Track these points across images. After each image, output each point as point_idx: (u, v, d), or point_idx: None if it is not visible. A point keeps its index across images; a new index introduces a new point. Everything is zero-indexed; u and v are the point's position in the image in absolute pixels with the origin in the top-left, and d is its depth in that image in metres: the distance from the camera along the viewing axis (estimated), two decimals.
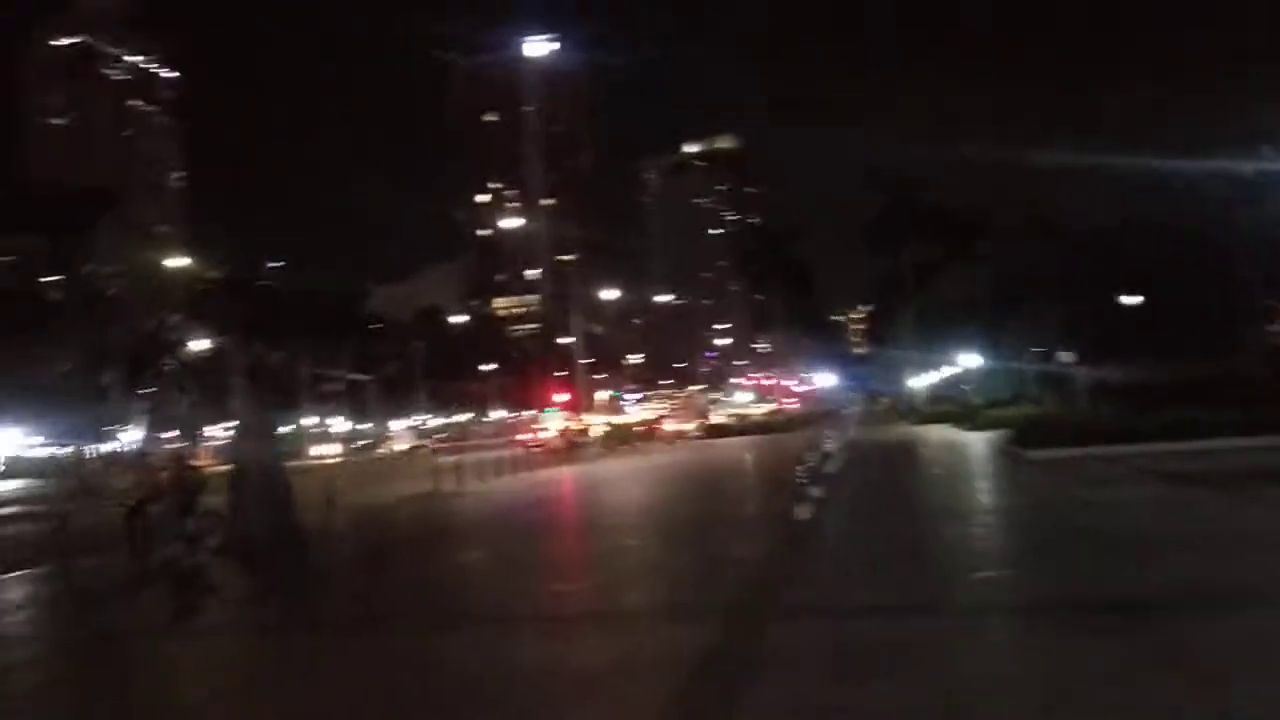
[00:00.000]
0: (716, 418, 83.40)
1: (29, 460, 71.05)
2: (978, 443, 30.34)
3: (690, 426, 73.43)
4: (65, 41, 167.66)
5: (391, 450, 77.75)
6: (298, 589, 11.17)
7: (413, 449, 76.52)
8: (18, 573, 13.80)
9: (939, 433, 40.87)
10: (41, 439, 70.00)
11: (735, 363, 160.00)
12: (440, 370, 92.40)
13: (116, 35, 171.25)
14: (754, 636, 7.26)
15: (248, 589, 11.46)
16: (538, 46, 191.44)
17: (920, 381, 70.57)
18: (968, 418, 41.27)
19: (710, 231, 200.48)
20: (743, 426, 71.78)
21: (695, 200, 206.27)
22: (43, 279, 64.96)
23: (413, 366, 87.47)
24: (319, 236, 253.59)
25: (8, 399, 58.68)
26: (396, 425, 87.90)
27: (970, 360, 52.68)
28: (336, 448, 77.61)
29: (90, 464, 61.06)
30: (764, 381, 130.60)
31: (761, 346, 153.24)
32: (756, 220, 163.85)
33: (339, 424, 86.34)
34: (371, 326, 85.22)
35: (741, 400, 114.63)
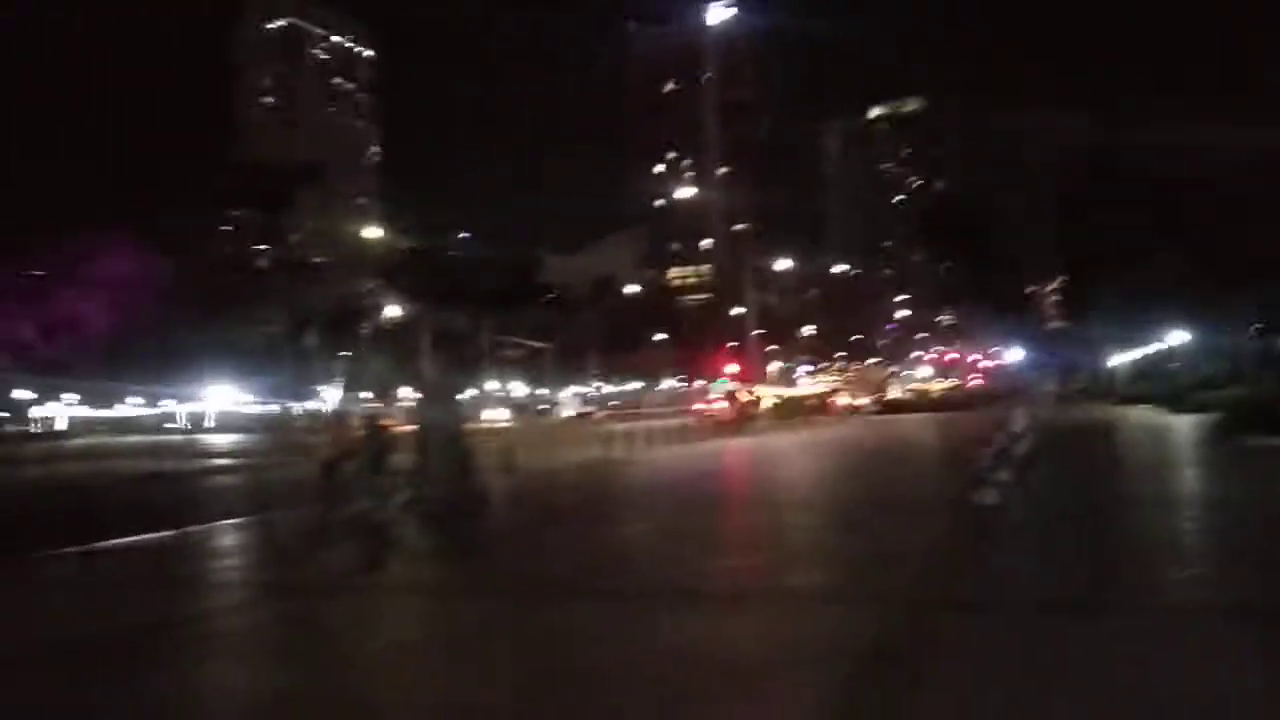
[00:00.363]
0: (894, 393, 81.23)
1: (240, 416, 77.41)
2: (1183, 427, 28.18)
3: (866, 401, 71.82)
4: (274, 24, 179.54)
5: (560, 417, 79.89)
6: (475, 550, 11.56)
7: (580, 416, 78.32)
8: (228, 521, 15.04)
9: (1139, 415, 38.42)
10: (252, 396, 76.08)
11: (915, 336, 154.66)
12: (613, 339, 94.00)
13: (321, 16, 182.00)
14: (927, 628, 6.94)
15: (429, 547, 11.94)
16: (718, 13, 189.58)
17: (1120, 359, 66.13)
18: (1172, 399, 38.45)
19: (893, 199, 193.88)
20: (922, 403, 69.58)
21: (878, 166, 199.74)
22: (253, 247, 70.47)
23: (587, 335, 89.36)
24: (502, 209, 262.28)
25: (220, 359, 64.16)
26: (564, 393, 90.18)
27: (1177, 338, 49.02)
28: (511, 412, 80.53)
29: (293, 421, 65.84)
30: (946, 356, 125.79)
31: (944, 319, 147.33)
32: (944, 186, 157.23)
33: (515, 389, 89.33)
34: (548, 297, 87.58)
35: (921, 375, 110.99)
